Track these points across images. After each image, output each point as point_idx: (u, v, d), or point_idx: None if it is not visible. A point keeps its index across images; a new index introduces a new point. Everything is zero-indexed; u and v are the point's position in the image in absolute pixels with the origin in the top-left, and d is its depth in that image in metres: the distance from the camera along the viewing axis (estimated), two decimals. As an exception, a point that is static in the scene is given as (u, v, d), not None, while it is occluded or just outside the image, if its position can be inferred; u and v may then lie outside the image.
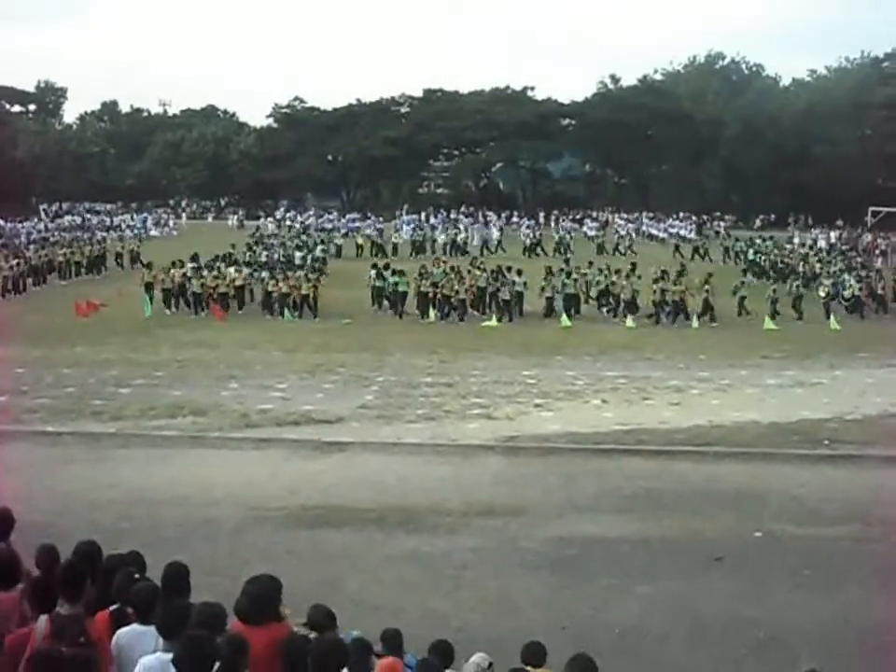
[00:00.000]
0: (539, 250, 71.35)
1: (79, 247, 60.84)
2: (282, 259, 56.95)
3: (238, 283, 44.38)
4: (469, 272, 45.20)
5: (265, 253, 59.32)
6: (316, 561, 15.33)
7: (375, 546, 16.54)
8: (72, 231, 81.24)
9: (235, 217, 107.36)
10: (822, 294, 45.40)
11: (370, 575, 15.30)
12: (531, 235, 77.16)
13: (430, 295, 43.11)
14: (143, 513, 17.64)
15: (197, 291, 43.23)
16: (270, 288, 43.58)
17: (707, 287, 42.95)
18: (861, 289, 46.13)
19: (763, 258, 62.33)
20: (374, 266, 47.20)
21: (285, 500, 18.64)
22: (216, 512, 17.96)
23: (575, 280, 44.73)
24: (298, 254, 58.32)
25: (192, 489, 19.37)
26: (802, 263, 56.39)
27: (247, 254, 57.58)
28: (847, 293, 46.06)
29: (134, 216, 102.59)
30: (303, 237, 73.71)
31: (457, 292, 43.20)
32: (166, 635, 7.81)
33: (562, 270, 46.41)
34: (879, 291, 46.60)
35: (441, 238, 76.66)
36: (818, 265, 55.45)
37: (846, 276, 48.49)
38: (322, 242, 68.52)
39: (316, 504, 18.44)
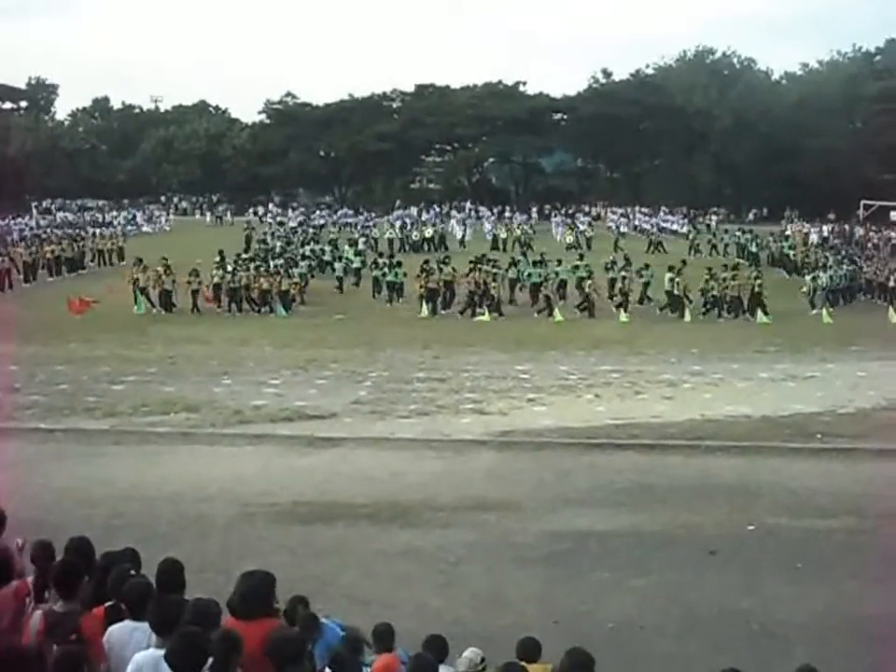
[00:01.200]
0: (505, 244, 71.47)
1: (68, 244, 60.76)
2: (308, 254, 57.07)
3: (216, 281, 43.88)
4: (480, 268, 45.33)
5: (308, 248, 59.54)
6: (309, 556, 15.31)
7: (368, 541, 16.54)
8: (63, 228, 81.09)
9: (210, 213, 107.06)
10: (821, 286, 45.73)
11: (362, 570, 15.29)
12: (500, 229, 77.58)
13: (441, 290, 43.78)
14: (136, 510, 17.63)
15: (168, 289, 43.15)
16: (234, 285, 43.53)
17: (758, 281, 43.60)
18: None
19: (792, 252, 62.47)
20: (379, 255, 50.98)
21: (277, 496, 18.63)
22: (208, 508, 17.95)
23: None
24: (347, 248, 58.03)
25: (185, 485, 19.33)
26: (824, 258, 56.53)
27: (287, 249, 58.63)
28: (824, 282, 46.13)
29: (118, 213, 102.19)
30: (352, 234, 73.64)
31: (495, 287, 43.70)
32: (159, 631, 7.80)
33: (518, 261, 48.64)
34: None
35: (428, 232, 76.56)
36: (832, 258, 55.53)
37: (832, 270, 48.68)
38: (365, 237, 68.87)
39: (309, 499, 18.44)
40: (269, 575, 8.68)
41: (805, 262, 57.32)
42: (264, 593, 8.50)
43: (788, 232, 77.91)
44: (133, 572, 8.83)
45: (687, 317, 41.38)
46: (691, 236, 74.83)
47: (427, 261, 46.28)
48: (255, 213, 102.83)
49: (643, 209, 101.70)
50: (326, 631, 9.62)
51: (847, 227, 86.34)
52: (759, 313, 41.72)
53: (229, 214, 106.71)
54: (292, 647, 7.73)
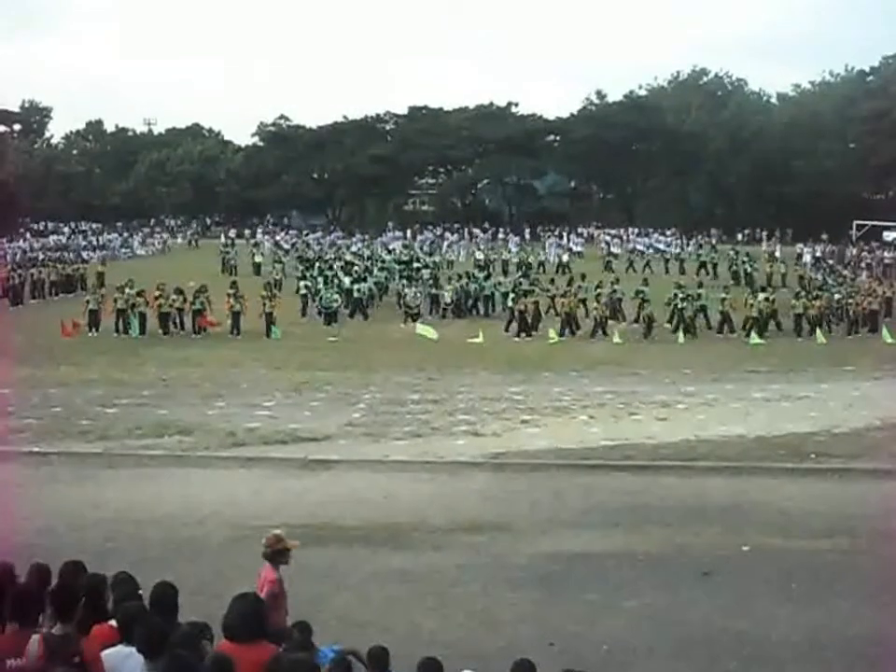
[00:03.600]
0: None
1: (53, 267, 60.68)
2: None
3: (177, 305, 43.20)
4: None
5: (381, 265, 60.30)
6: (303, 579, 15.18)
7: (362, 563, 16.50)
8: (58, 251, 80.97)
9: (161, 238, 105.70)
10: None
11: (356, 593, 15.26)
12: (483, 250, 78.34)
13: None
14: (129, 533, 17.59)
15: (143, 311, 42.83)
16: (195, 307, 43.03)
17: (850, 300, 46.18)
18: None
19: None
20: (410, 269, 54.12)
21: (271, 519, 18.53)
22: (202, 531, 17.92)
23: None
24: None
25: (178, 508, 19.30)
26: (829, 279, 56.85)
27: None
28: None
29: (101, 237, 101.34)
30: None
31: (596, 309, 44.13)
32: (146, 654, 7.78)
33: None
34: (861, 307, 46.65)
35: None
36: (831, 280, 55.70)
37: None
38: (421, 258, 68.96)
39: (302, 522, 18.36)
40: (260, 598, 8.67)
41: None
42: (256, 615, 8.48)
43: (777, 254, 77.98)
44: (140, 592, 8.86)
45: (681, 338, 41.37)
46: (682, 255, 75.53)
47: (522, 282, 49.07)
48: (235, 235, 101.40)
49: (634, 230, 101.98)
50: (320, 657, 9.58)
51: (835, 248, 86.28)
52: (752, 333, 41.90)
53: (223, 236, 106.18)
54: (304, 669, 7.70)
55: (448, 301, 48.75)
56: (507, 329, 43.33)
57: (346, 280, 50.74)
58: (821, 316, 44.30)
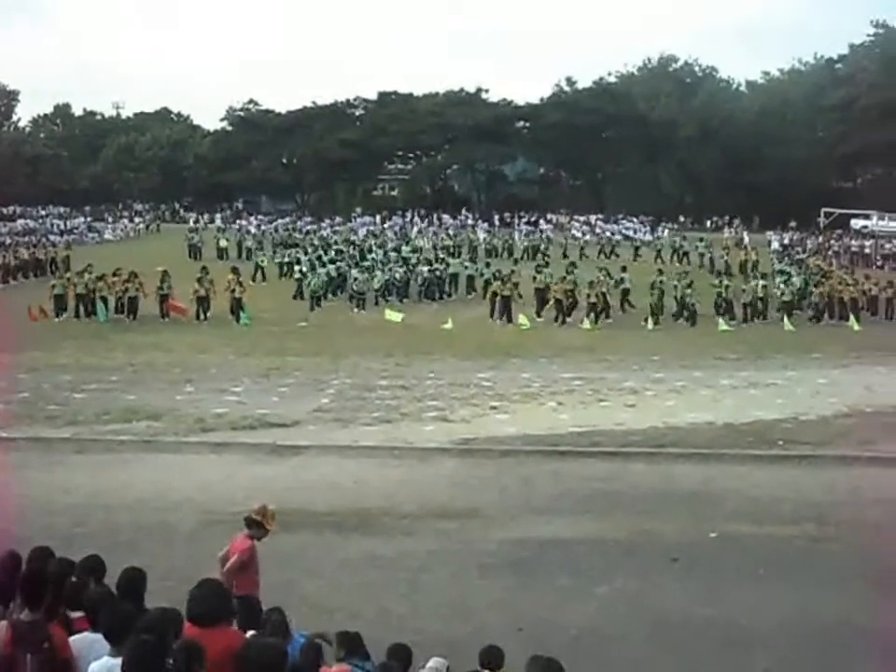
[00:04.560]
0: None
1: (14, 250, 60.28)
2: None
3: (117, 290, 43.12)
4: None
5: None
6: (273, 565, 15.15)
7: (332, 549, 16.51)
8: (25, 235, 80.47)
9: (130, 223, 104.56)
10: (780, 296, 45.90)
11: (326, 578, 15.27)
12: (442, 237, 78.58)
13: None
14: (98, 518, 17.55)
15: (105, 296, 42.87)
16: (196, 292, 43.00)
17: (850, 288, 46.33)
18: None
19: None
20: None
21: (241, 504, 18.39)
22: (171, 517, 17.88)
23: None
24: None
25: (148, 494, 19.25)
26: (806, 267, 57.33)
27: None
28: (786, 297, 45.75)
29: (68, 221, 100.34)
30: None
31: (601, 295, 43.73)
32: (111, 640, 7.74)
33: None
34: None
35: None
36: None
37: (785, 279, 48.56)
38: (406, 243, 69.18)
39: (273, 508, 18.36)
40: (221, 582, 8.66)
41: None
42: (220, 599, 8.42)
43: (746, 240, 78.31)
44: (90, 583, 8.81)
45: (650, 325, 41.45)
46: (657, 244, 76.04)
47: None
48: (195, 222, 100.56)
49: (600, 216, 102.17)
50: (293, 643, 9.56)
51: (803, 236, 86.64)
52: (720, 319, 42.03)
53: (191, 221, 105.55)
54: (273, 654, 7.65)
55: (377, 286, 48.62)
56: (492, 316, 43.27)
57: (340, 265, 51.57)
58: (823, 304, 44.90)
